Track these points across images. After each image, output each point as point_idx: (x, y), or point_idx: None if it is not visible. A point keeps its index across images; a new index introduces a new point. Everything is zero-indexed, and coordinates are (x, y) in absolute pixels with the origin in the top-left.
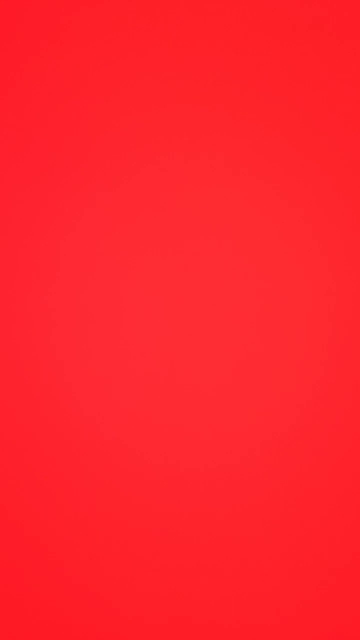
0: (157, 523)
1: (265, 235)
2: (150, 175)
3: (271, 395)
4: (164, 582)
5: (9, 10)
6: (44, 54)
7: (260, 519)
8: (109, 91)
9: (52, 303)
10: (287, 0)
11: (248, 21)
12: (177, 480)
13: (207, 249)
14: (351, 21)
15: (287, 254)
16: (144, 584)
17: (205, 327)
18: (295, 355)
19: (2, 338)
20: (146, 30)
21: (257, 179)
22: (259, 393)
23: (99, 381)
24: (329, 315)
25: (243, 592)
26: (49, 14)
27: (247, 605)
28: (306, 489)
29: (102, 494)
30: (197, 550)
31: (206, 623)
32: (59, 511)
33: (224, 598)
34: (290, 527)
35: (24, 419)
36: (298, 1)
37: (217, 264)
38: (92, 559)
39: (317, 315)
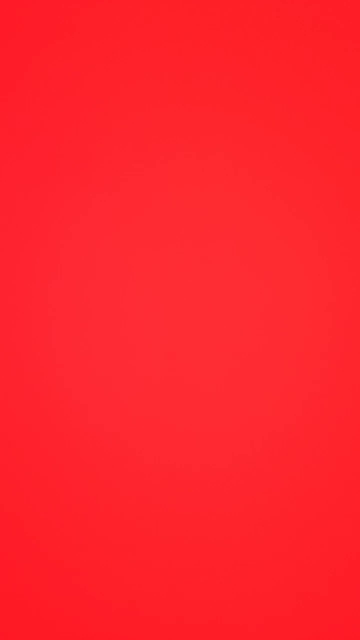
0: (158, 522)
1: (265, 235)
2: (150, 175)
3: (272, 394)
4: (164, 581)
5: (10, 10)
6: (45, 55)
7: (261, 519)
8: (109, 91)
9: (52, 303)
10: (287, 0)
11: (248, 21)
12: (177, 480)
13: (208, 249)
14: (351, 21)
15: (287, 254)
16: (144, 584)
17: (205, 327)
18: (296, 354)
19: (2, 337)
20: (146, 30)
21: (257, 179)
22: (259, 392)
23: (99, 380)
24: (329, 315)
25: (243, 592)
26: (49, 14)
27: (247, 605)
28: (307, 488)
29: (103, 494)
30: (198, 550)
31: (206, 623)
32: (59, 511)
33: (224, 598)
34: (291, 527)
35: (24, 418)
36: (298, 1)
37: (217, 264)
38: (93, 559)
39: (316, 314)
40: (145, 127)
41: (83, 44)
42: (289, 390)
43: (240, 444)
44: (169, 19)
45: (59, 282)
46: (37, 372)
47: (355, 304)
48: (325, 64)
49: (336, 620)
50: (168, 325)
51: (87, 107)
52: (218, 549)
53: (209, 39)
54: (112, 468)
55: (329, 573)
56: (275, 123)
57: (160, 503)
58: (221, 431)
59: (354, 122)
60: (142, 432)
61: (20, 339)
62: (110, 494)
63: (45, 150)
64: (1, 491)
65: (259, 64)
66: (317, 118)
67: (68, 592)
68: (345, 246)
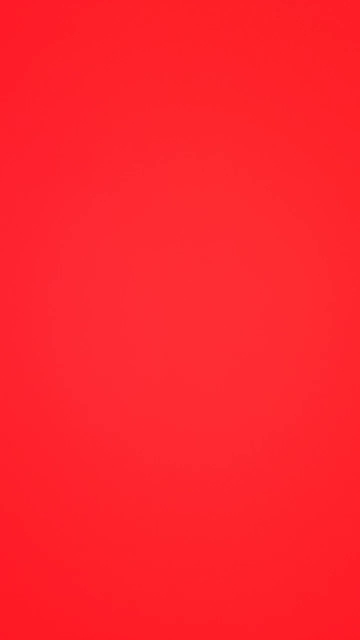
0: (158, 522)
1: (265, 235)
2: (150, 175)
3: (271, 394)
4: (164, 581)
5: (10, 10)
6: (45, 55)
7: (261, 519)
8: (109, 91)
9: (52, 303)
10: (287, 0)
11: (248, 21)
12: (177, 480)
13: (208, 249)
14: (351, 21)
15: (287, 254)
16: (144, 584)
17: (205, 327)
18: (296, 354)
19: (2, 337)
20: (146, 30)
21: (257, 179)
22: (259, 392)
23: (99, 380)
24: (329, 315)
25: (243, 592)
26: (49, 14)
27: (247, 605)
28: (307, 488)
29: (103, 494)
30: (198, 550)
31: (206, 623)
32: (59, 511)
33: (224, 598)
34: (291, 527)
35: (24, 418)
36: (298, 1)
37: (217, 264)
38: (93, 559)
39: (316, 314)
40: (145, 127)
41: (83, 44)
42: (289, 390)
43: (240, 444)
44: (169, 19)
45: (59, 282)
46: (37, 372)
47: (355, 304)
48: (325, 64)
49: (336, 620)
50: (168, 325)
51: (87, 107)
52: (218, 549)
53: (209, 39)
54: (112, 468)
55: (329, 573)
56: (275, 123)
57: (160, 503)
58: (221, 431)
59: (354, 122)
60: (142, 432)
61: (20, 339)
62: (110, 494)
63: (45, 150)
64: (1, 491)
65: (259, 64)
66: (317, 118)
67: (68, 592)
68: (345, 246)
